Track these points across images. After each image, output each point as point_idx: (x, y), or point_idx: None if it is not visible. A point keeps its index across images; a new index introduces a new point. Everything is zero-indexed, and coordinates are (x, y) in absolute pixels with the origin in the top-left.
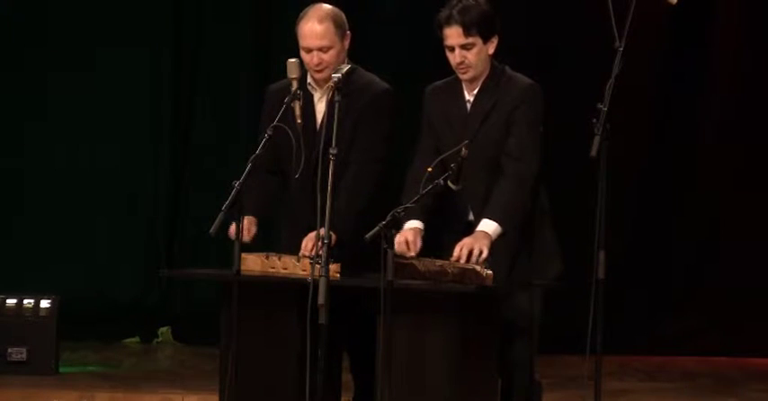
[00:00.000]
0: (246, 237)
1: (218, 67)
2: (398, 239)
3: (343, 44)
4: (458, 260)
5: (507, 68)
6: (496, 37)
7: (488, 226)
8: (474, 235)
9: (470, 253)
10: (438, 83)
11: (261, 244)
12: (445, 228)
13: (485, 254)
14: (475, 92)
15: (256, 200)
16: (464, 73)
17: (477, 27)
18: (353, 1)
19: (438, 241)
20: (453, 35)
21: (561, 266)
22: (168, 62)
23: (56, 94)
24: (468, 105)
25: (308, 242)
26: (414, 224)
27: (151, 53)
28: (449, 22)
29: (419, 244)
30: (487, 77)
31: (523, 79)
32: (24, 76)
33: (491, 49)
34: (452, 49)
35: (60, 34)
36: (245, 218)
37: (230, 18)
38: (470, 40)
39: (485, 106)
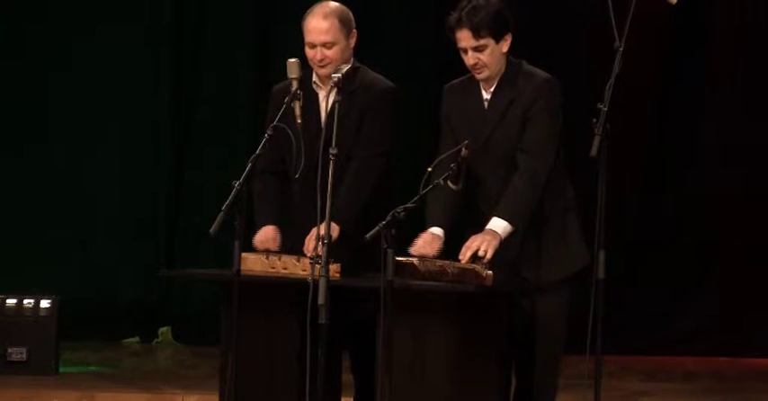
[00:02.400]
0: (274, 247)
1: (218, 67)
2: (419, 242)
3: (348, 42)
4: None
5: (524, 63)
6: (509, 34)
7: (498, 224)
8: (482, 234)
9: (475, 253)
10: (455, 81)
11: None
12: (468, 224)
13: (489, 255)
14: (492, 89)
15: (273, 207)
16: (479, 73)
17: (488, 28)
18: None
19: (463, 238)
20: (464, 38)
21: (587, 258)
22: (168, 62)
23: (56, 94)
24: (486, 103)
25: (309, 242)
26: (434, 230)
27: (151, 53)
28: (459, 24)
29: (436, 247)
30: (504, 74)
31: (540, 74)
32: (24, 76)
33: (504, 47)
34: (465, 52)
35: (60, 33)
36: (270, 228)
37: (230, 18)
38: (482, 42)
39: (502, 103)
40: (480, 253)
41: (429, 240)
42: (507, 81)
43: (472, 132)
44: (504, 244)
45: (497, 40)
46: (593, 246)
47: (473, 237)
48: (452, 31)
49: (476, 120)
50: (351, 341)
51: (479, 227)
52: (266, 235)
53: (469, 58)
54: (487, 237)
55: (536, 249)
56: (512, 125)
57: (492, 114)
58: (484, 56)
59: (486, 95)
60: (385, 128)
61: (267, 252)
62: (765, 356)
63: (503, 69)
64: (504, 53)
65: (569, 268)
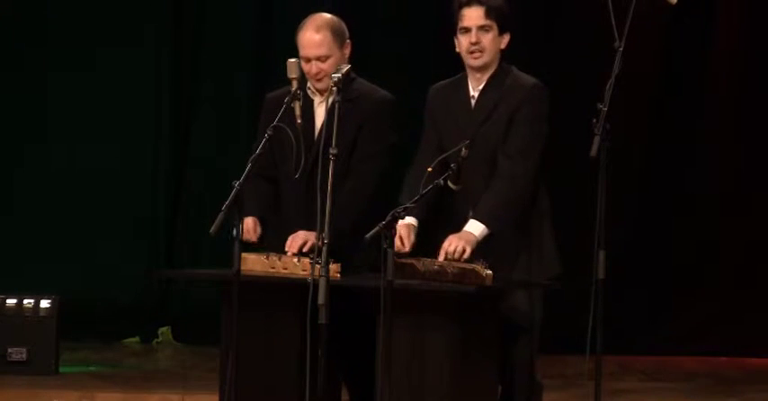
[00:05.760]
0: (254, 238)
1: (218, 67)
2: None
3: (342, 53)
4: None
5: (514, 68)
6: (509, 34)
7: (475, 227)
8: (460, 234)
9: (454, 251)
10: (442, 82)
11: (261, 243)
12: (445, 226)
13: (467, 254)
14: (480, 88)
15: (258, 201)
16: (476, 58)
17: (497, 13)
18: (354, 4)
19: (438, 238)
20: (473, 16)
21: (559, 267)
22: (168, 62)
23: (56, 94)
24: (473, 101)
25: (292, 240)
26: (407, 220)
27: (151, 53)
28: (470, 2)
29: (412, 239)
30: (494, 74)
31: (529, 78)
32: (24, 76)
33: (503, 43)
34: (468, 30)
35: (60, 34)
36: (250, 218)
37: (230, 18)
38: (488, 22)
39: (489, 103)
40: (459, 250)
41: (405, 234)
42: (496, 81)
43: (457, 129)
44: (480, 245)
45: (501, 30)
46: (563, 258)
47: (450, 239)
48: (461, 7)
49: (461, 117)
50: (347, 344)
51: (456, 226)
52: (246, 226)
53: (471, 37)
54: (464, 237)
55: (513, 253)
56: (497, 125)
57: (478, 113)
58: (486, 39)
59: (473, 93)
60: (384, 140)
61: (267, 252)
62: (765, 356)
63: (495, 67)
64: (500, 50)
65: (542, 275)
